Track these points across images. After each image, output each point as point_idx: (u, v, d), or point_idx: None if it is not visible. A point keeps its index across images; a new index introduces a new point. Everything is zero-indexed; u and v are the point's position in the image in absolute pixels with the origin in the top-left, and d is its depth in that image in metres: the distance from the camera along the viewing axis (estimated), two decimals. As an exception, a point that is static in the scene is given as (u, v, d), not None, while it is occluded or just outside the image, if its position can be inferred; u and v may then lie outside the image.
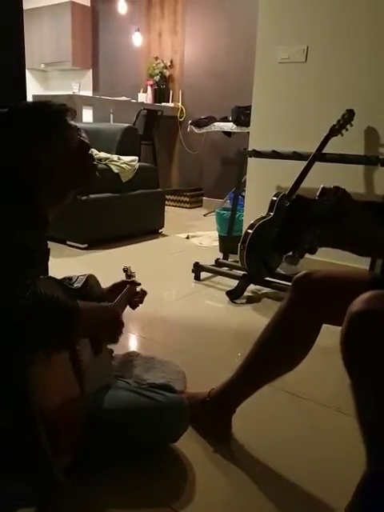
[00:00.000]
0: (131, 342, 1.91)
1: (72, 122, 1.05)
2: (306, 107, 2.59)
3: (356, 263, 1.92)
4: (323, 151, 2.26)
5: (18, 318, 0.78)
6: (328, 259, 2.20)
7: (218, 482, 1.12)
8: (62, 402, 0.95)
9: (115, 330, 1.07)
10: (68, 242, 3.16)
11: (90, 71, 6.16)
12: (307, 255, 0.79)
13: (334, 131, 2.27)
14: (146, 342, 1.92)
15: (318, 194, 0.81)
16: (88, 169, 1.09)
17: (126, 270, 1.43)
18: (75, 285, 1.15)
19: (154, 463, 1.15)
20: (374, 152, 2.38)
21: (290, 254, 0.81)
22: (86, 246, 3.14)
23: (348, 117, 2.28)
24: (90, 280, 1.21)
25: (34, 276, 0.89)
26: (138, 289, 1.41)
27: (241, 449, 1.23)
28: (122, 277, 1.43)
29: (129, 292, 1.33)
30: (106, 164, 3.27)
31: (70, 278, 1.18)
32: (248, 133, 2.95)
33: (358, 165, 2.38)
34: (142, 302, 1.42)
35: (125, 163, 3.36)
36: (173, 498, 1.05)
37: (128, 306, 1.41)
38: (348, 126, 2.27)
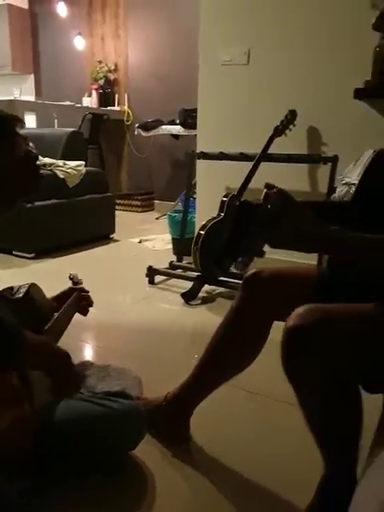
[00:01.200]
0: (85, 351, 1.86)
1: (21, 132, 1.05)
2: (251, 108, 2.63)
3: (304, 259, 1.97)
4: (269, 151, 2.31)
5: None
6: (277, 256, 2.24)
7: (178, 486, 1.11)
8: (9, 419, 0.90)
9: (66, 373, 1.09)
10: (14, 252, 3.04)
11: (32, 76, 5.97)
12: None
13: (278, 131, 2.33)
14: (99, 350, 1.88)
15: (262, 197, 0.82)
16: (35, 178, 1.09)
17: (72, 278, 1.41)
18: (16, 295, 1.11)
19: (113, 473, 1.12)
20: (316, 150, 2.46)
21: (240, 259, 0.82)
22: (33, 255, 3.02)
23: (291, 117, 2.33)
24: (32, 289, 1.17)
25: None
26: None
27: (199, 450, 1.22)
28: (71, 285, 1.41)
29: (75, 299, 1.31)
30: (50, 170, 3.17)
31: (11, 289, 1.14)
32: (196, 135, 2.97)
33: (303, 164, 2.45)
34: (91, 305, 1.39)
35: (71, 168, 3.27)
36: (133, 508, 1.03)
37: (79, 313, 1.38)
38: (291, 126, 2.33)
